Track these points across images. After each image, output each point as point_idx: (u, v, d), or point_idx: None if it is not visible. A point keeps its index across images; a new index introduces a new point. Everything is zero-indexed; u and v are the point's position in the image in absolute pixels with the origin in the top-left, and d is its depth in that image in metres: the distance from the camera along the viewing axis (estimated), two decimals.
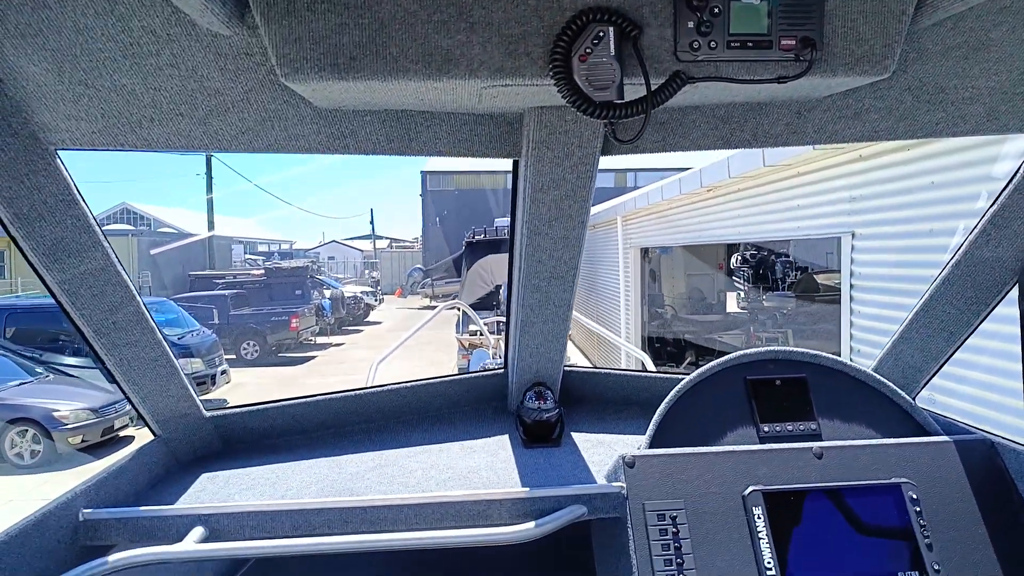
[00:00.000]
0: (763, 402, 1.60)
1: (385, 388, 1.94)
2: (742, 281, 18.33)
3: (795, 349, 1.66)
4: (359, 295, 24.11)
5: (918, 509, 1.39)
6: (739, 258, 18.83)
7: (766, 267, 17.85)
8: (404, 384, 1.96)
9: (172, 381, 1.57)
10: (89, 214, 1.23)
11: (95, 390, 9.11)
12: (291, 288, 17.60)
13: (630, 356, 10.96)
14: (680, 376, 1.96)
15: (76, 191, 1.20)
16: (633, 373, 2.06)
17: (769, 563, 1.32)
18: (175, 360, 1.54)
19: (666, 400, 1.58)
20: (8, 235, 1.15)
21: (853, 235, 5.17)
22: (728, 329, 14.32)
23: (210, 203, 26.21)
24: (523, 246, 1.48)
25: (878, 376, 1.63)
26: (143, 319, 1.42)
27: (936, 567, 1.33)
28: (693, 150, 1.33)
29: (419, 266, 30.40)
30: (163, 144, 1.16)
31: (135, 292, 1.38)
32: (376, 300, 27.05)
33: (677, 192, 8.97)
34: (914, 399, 1.66)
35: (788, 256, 17.70)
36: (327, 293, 20.60)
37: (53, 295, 1.29)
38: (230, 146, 1.18)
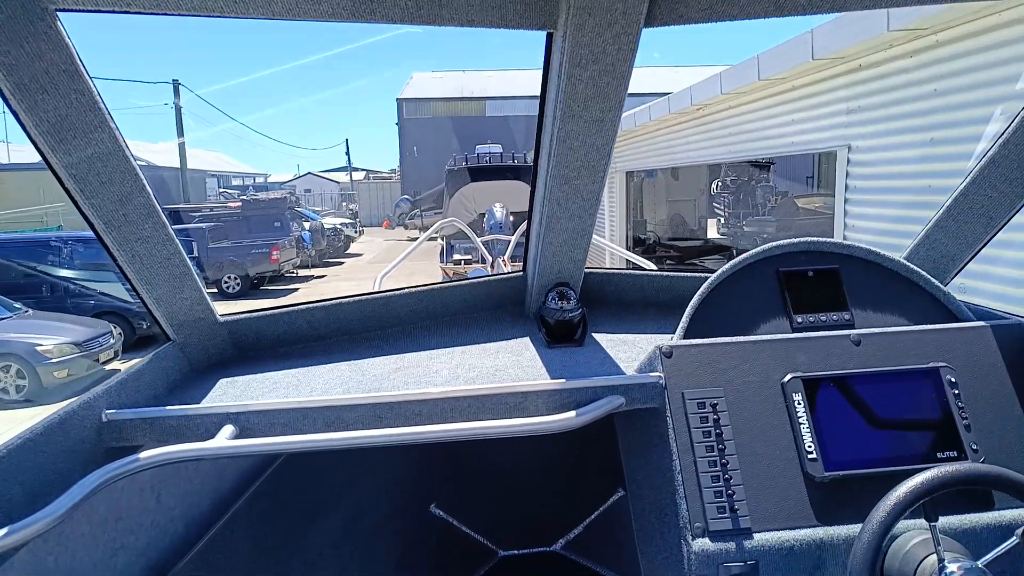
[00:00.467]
0: (796, 293, 1.57)
1: (401, 291, 1.88)
2: (722, 207, 18.35)
3: (827, 240, 1.63)
4: (339, 227, 23.80)
5: (956, 392, 1.39)
6: (719, 184, 18.79)
7: (746, 192, 17.86)
8: (420, 287, 1.91)
9: (186, 282, 1.50)
10: (94, 89, 1.13)
11: (79, 325, 8.98)
12: (270, 220, 17.25)
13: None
14: (703, 275, 1.93)
15: (79, 62, 1.09)
16: (654, 273, 2.03)
17: (810, 447, 1.31)
18: (188, 260, 1.47)
19: (699, 292, 1.55)
20: (11, 109, 1.05)
21: (849, 148, 5.12)
22: (710, 254, 14.42)
23: (182, 147, 25.36)
24: (554, 132, 1.40)
25: (910, 265, 1.61)
26: (154, 213, 1.33)
27: (974, 447, 1.34)
28: (742, 18, 1.24)
29: (407, 196, 29.88)
30: (171, 6, 1.05)
31: (145, 183, 1.29)
32: (356, 232, 26.73)
33: (666, 111, 8.80)
34: (946, 287, 1.64)
35: (769, 182, 17.69)
36: (307, 225, 20.28)
37: (61, 183, 1.20)
38: (247, 10, 1.07)
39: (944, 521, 1.22)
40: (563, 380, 1.42)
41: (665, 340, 1.45)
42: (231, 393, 1.50)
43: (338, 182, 48.72)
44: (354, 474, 2.25)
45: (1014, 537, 1.09)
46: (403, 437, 1.30)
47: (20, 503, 1.09)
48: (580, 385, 1.41)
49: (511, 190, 12.99)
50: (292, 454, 1.90)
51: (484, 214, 12.23)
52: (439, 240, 13.31)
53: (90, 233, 1.40)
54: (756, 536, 1.21)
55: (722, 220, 18.32)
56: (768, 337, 1.45)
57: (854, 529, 1.25)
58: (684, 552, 1.22)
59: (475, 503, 2.93)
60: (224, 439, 1.27)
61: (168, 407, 1.34)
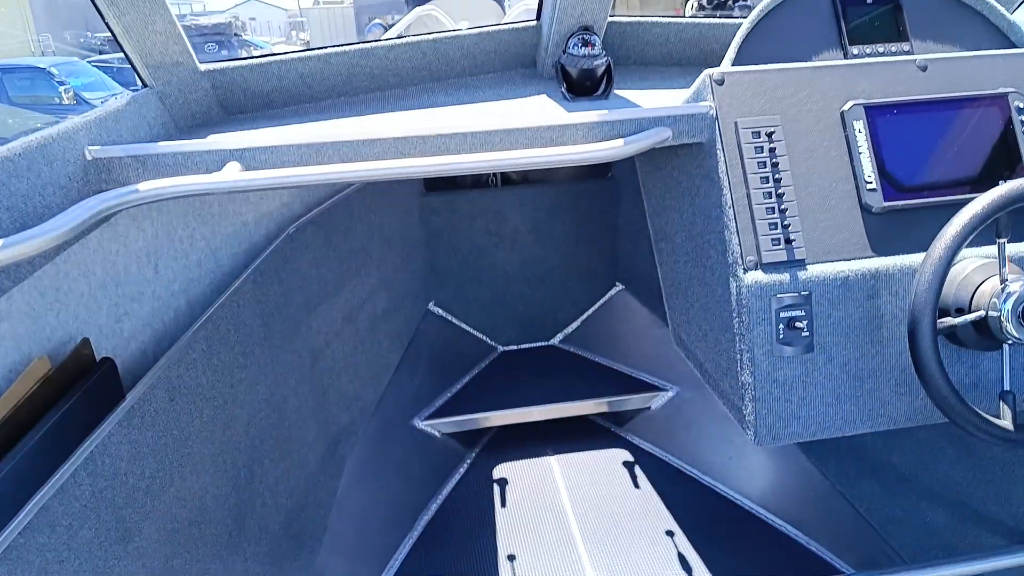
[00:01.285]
0: (852, 22, 1.42)
1: (401, 41, 1.67)
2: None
3: None
4: None
5: (1023, 119, 1.30)
6: (696, 3, 17.78)
7: (724, 9, 16.97)
8: (422, 37, 1.70)
9: (157, 12, 1.28)
10: None
11: None
12: (217, 47, 15.99)
13: None
14: (737, 21, 1.75)
15: None
16: (682, 21, 1.83)
17: (869, 178, 1.23)
18: None
19: (747, 20, 1.38)
20: None
21: None
22: None
23: None
24: None
25: None
26: None
27: None
28: None
29: (378, 21, 27.72)
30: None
31: None
32: None
33: None
34: (1012, 14, 1.51)
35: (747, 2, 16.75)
36: (256, 53, 18.89)
37: None
38: None
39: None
40: (606, 111, 1.28)
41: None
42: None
43: (285, 9, 45.04)
44: (351, 266, 2.16)
45: None
46: (434, 167, 1.17)
47: (9, 229, 0.95)
48: (623, 117, 1.27)
49: (479, 6, 12.06)
50: (292, 235, 1.78)
51: None
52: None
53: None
54: (810, 268, 1.15)
55: None
56: (829, 63, 1.32)
57: (911, 259, 1.20)
58: (733, 288, 1.16)
59: (474, 303, 2.91)
60: (232, 173, 1.13)
61: (160, 143, 1.18)
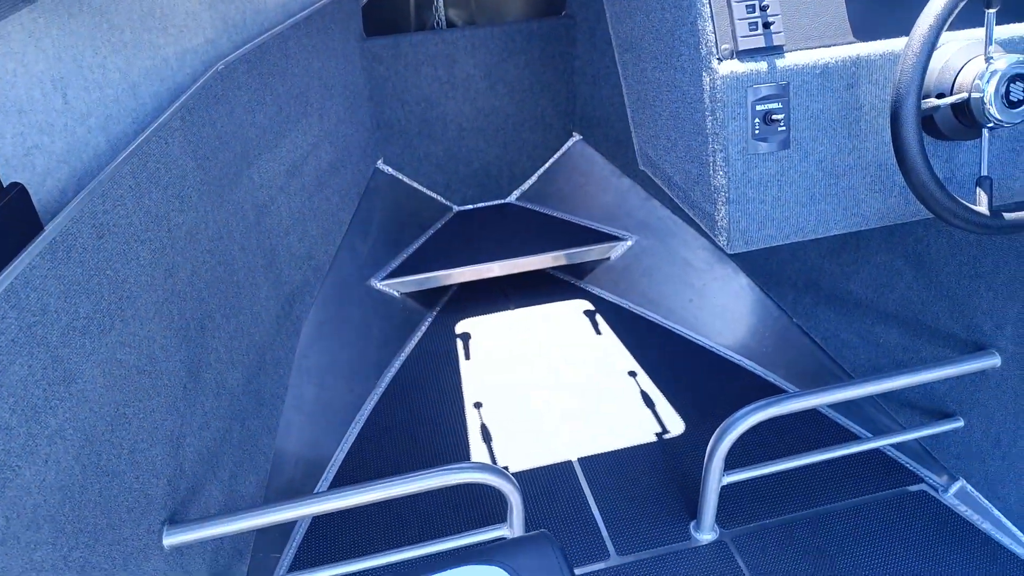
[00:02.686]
0: None
1: None
2: None
3: None
4: None
5: None
6: None
7: None
8: None
9: None
10: None
11: None
12: None
13: None
14: None
15: None
16: None
17: None
18: None
19: None
20: None
21: None
22: None
23: None
24: None
25: None
26: None
27: None
28: None
29: None
30: None
31: None
32: None
33: None
34: None
35: None
36: None
37: None
38: None
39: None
40: None
41: None
42: None
43: None
44: (291, 115, 1.99)
45: None
46: None
47: None
48: None
49: None
50: (221, 73, 1.60)
51: None
52: None
53: None
54: (788, 56, 1.07)
55: None
56: None
57: (894, 43, 1.12)
58: (707, 83, 1.07)
59: (425, 160, 2.77)
60: None
61: None
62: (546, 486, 1.81)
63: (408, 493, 1.25)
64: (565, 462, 1.88)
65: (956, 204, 0.99)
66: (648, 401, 2.05)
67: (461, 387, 2.17)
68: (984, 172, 1.02)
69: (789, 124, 1.08)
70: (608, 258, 2.57)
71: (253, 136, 1.76)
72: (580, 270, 2.65)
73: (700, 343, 2.27)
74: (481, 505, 1.77)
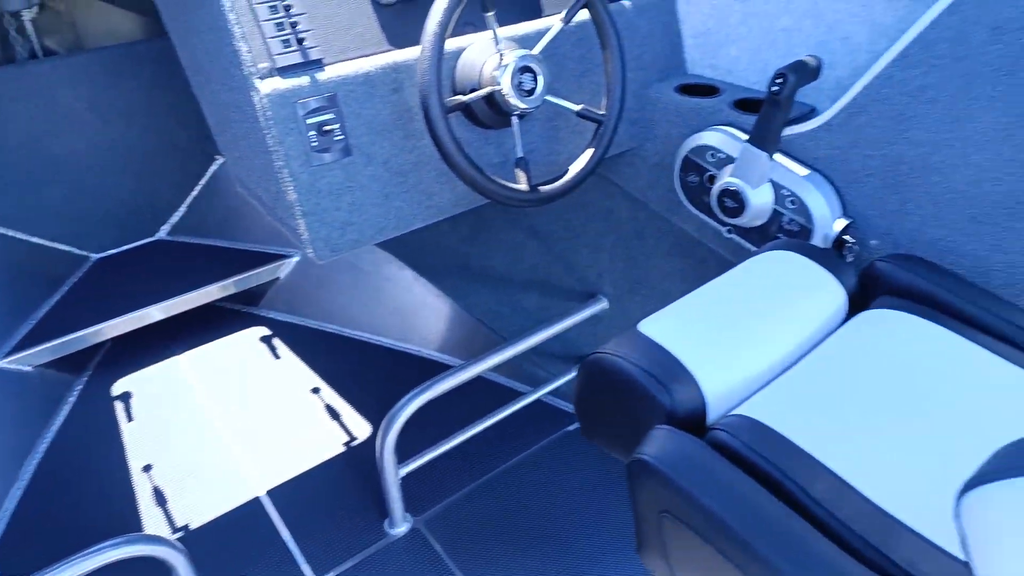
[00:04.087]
0: None
1: None
2: None
3: None
4: None
5: None
6: None
7: None
8: None
9: None
10: None
11: None
12: None
13: None
14: None
15: None
16: None
17: None
18: None
19: None
20: None
21: None
22: None
23: None
24: None
25: None
26: None
27: None
28: None
29: None
30: None
31: None
32: None
33: None
34: None
35: None
36: None
37: None
38: None
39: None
40: None
41: None
42: None
43: None
44: None
45: (559, 23, 1.17)
46: None
47: None
48: None
49: None
50: None
51: None
52: None
53: None
54: (329, 68, 1.11)
55: None
56: None
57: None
58: (256, 101, 1.07)
59: (44, 209, 2.40)
60: None
61: None
62: (233, 533, 1.71)
63: None
64: (253, 500, 1.79)
65: (498, 186, 1.12)
66: (334, 413, 2.05)
67: (125, 453, 1.95)
68: (519, 154, 1.17)
69: (346, 132, 1.12)
70: (278, 278, 2.50)
71: None
72: (252, 296, 2.54)
73: (379, 343, 2.32)
74: None
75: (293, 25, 1.07)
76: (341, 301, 2.43)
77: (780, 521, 0.69)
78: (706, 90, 1.43)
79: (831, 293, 1.03)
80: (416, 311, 2.36)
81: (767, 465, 0.75)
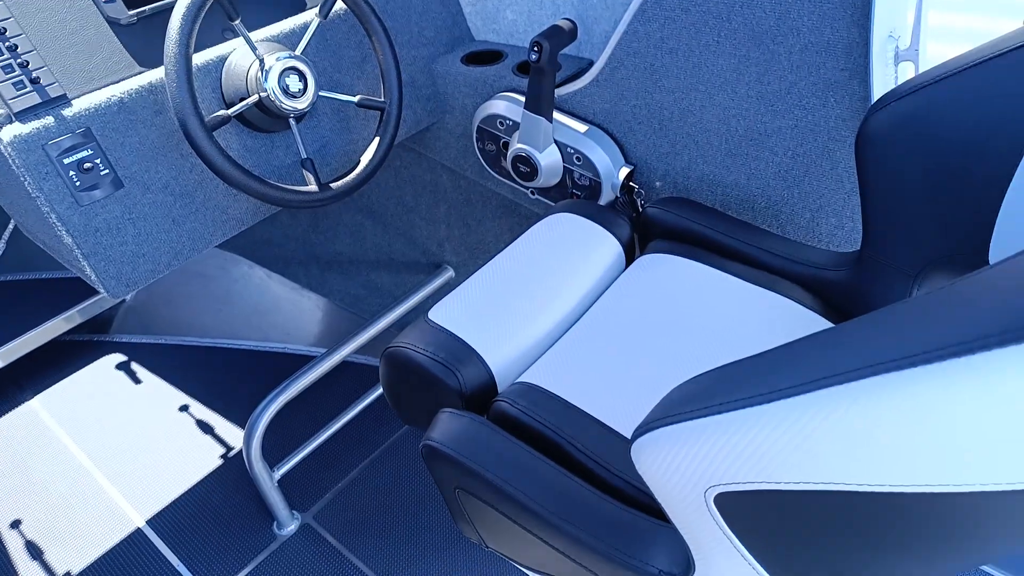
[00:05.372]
0: None
1: None
2: None
3: None
4: None
5: None
6: None
7: None
8: None
9: None
10: None
11: None
12: None
13: None
14: None
15: None
16: None
17: None
18: None
19: None
20: None
21: None
22: None
23: None
24: None
25: None
26: None
27: None
28: None
29: None
30: None
31: None
32: None
33: None
34: None
35: None
36: None
37: None
38: None
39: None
40: None
41: None
42: None
43: None
44: None
45: (316, 18, 1.16)
46: None
47: None
48: None
49: None
50: None
51: None
52: None
53: None
54: (76, 102, 1.05)
55: None
56: None
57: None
58: (3, 151, 1.01)
59: None
60: None
61: None
62: (118, 570, 1.69)
63: None
64: (134, 531, 1.77)
65: (285, 191, 1.12)
66: (204, 427, 2.02)
67: None
68: (303, 155, 1.17)
69: (111, 164, 1.08)
70: (124, 300, 2.40)
71: None
72: (101, 323, 2.43)
73: (241, 347, 2.28)
74: None
75: (23, 65, 1.01)
76: (193, 312, 2.37)
77: (551, 479, 0.76)
78: (492, 56, 1.47)
79: (607, 247, 1.11)
80: (274, 308, 2.33)
81: (541, 426, 0.83)
